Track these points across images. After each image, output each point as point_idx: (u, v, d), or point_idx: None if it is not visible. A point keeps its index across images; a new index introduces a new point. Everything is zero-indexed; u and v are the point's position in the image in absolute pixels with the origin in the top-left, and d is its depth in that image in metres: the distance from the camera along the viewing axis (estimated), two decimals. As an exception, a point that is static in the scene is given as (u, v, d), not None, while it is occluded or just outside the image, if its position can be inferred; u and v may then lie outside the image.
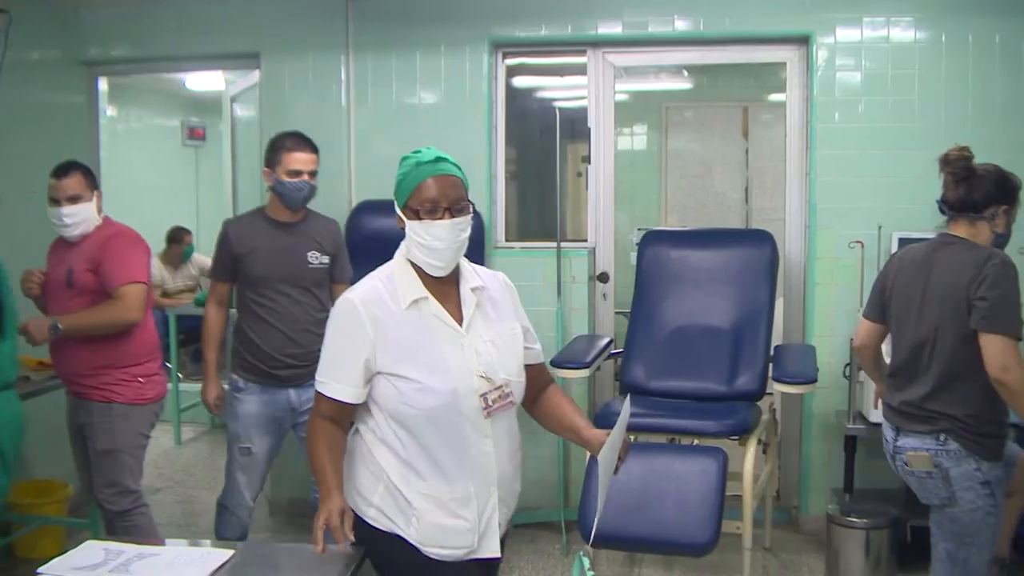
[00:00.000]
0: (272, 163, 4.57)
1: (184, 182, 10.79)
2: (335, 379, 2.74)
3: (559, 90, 6.71)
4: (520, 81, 6.52)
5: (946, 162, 3.64)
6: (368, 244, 5.53)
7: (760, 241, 5.51)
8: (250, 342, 4.58)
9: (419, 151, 2.77)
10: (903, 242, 5.33)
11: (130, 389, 4.41)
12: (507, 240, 6.03)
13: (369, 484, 2.76)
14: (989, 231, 3.63)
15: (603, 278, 5.94)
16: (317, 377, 2.78)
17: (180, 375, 8.37)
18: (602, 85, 5.89)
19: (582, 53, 5.90)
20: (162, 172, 10.46)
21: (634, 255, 5.88)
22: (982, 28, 5.46)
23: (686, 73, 7.41)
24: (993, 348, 3.40)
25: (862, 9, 5.54)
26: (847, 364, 5.24)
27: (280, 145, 4.57)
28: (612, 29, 5.75)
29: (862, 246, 5.45)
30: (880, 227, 5.42)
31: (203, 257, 9.42)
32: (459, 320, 2.77)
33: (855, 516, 4.94)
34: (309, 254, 4.64)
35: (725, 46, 5.83)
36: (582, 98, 5.96)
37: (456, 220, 2.70)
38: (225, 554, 2.72)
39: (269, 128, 5.89)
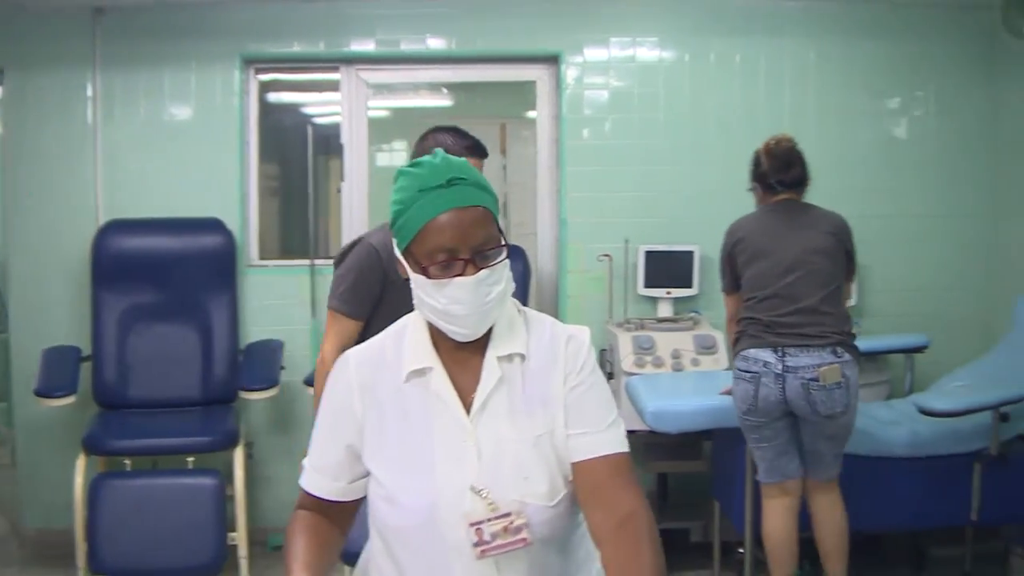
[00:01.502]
0: None
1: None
2: (313, 464, 2.09)
3: (318, 106, 6.68)
4: (282, 97, 6.45)
5: (780, 150, 4.33)
6: (116, 266, 5.41)
7: (513, 256, 5.57)
8: None
9: (420, 163, 1.96)
10: (649, 255, 5.53)
11: None
12: (263, 258, 5.92)
13: None
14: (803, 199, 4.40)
15: (355, 296, 5.88)
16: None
17: None
18: (355, 102, 5.87)
19: (335, 70, 5.86)
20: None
21: (390, 271, 5.85)
22: (723, 48, 5.74)
23: (445, 90, 7.47)
24: (849, 289, 4.48)
25: (609, 29, 5.72)
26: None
27: (442, 147, 3.25)
28: (364, 46, 5.74)
29: (610, 259, 5.60)
30: (627, 241, 5.58)
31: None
32: (471, 404, 1.99)
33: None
34: None
35: (477, 64, 5.91)
36: (339, 114, 5.93)
37: (482, 275, 1.90)
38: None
39: (12, 146, 5.70)
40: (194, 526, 4.70)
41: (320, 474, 2.06)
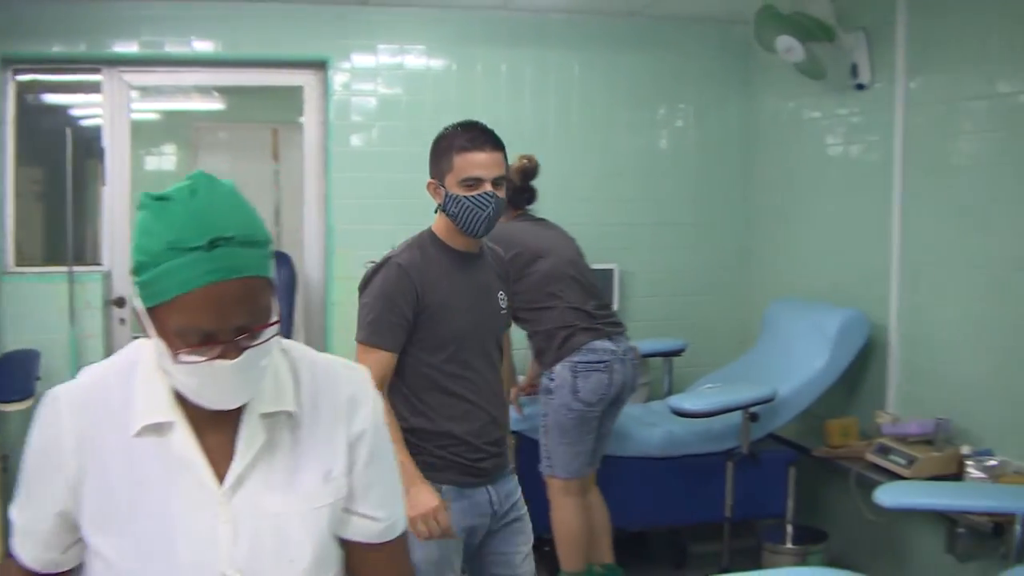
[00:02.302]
0: (440, 171, 3.15)
1: None
2: (21, 526, 1.67)
3: (82, 108, 6.49)
4: (43, 98, 6.25)
5: (531, 169, 4.69)
6: None
7: (279, 262, 5.57)
8: (441, 433, 3.09)
9: (171, 199, 1.52)
10: (416, 261, 5.56)
11: None
12: (20, 265, 5.67)
13: None
14: None
15: (120, 303, 5.73)
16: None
17: None
18: (117, 104, 5.72)
19: (98, 71, 5.69)
20: None
21: (154, 278, 5.73)
22: (490, 57, 5.84)
23: (216, 94, 7.38)
24: None
25: (377, 36, 5.75)
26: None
27: (447, 145, 3.13)
28: (127, 48, 5.59)
29: (377, 266, 5.61)
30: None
31: None
32: (225, 470, 1.61)
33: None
34: (499, 295, 3.29)
35: (245, 68, 5.86)
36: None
37: (246, 357, 1.51)
38: None
39: None
40: (-57, 543, 4.53)
41: (30, 539, 1.66)
